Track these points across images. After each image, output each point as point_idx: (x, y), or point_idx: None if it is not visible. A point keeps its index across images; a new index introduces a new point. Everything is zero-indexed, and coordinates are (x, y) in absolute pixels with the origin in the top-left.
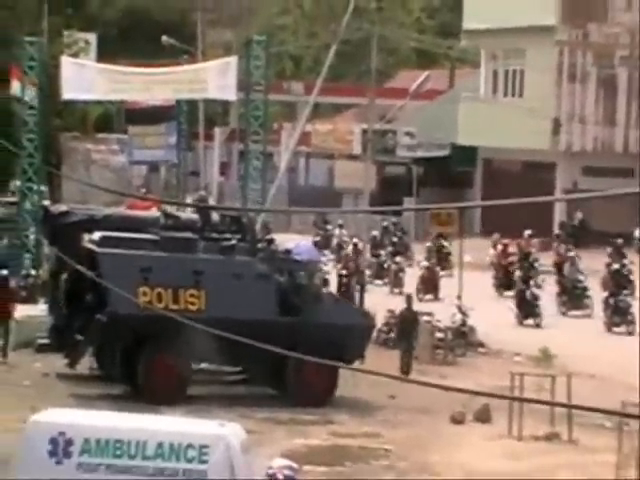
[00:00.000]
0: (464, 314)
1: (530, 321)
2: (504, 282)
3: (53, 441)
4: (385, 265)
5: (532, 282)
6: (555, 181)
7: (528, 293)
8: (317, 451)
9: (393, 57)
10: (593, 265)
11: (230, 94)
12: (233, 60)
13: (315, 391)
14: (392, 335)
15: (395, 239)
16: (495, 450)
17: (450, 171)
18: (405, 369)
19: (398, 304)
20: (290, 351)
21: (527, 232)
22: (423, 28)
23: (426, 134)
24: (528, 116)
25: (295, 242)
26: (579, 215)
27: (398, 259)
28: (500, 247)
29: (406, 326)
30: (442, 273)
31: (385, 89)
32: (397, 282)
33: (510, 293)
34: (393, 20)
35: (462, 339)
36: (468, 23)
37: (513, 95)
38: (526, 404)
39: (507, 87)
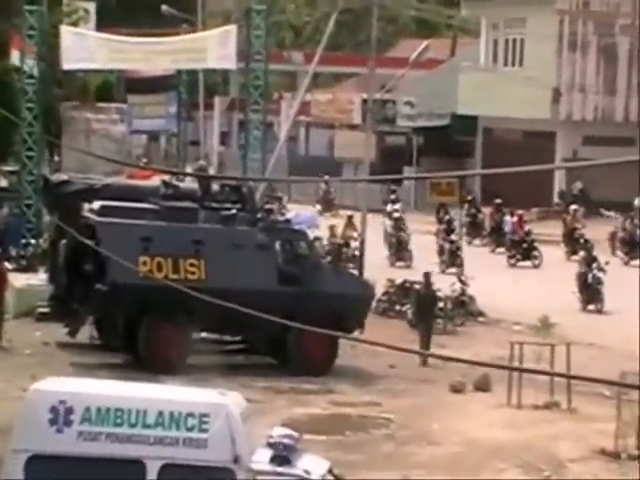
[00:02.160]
0: (464, 283)
1: (592, 307)
2: (520, 253)
3: (54, 409)
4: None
5: (595, 265)
6: (555, 150)
7: (590, 276)
8: (317, 420)
9: (393, 26)
10: (594, 234)
11: (230, 64)
12: (233, 29)
13: (315, 360)
14: (394, 306)
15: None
16: (495, 419)
17: (450, 140)
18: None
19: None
20: (290, 320)
21: (573, 207)
22: None
23: (426, 104)
24: (528, 85)
25: (295, 212)
26: (579, 184)
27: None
28: (515, 218)
29: (424, 306)
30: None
31: (385, 58)
32: (400, 255)
33: (528, 263)
34: None
35: (461, 308)
36: None
37: (513, 64)
38: (526, 373)
39: (507, 56)
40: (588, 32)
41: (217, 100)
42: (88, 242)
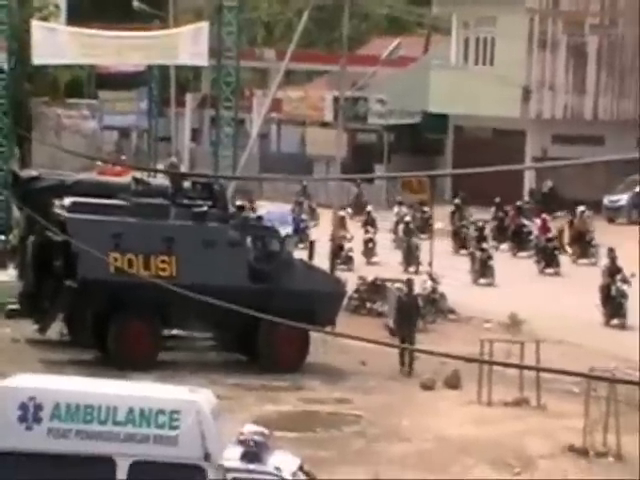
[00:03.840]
0: (434, 281)
1: (615, 321)
2: (545, 259)
3: (23, 406)
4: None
5: (619, 277)
6: (525, 148)
7: (614, 289)
8: (288, 417)
9: (365, 24)
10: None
11: (202, 60)
12: (205, 26)
13: (286, 357)
14: (365, 303)
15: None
16: (465, 416)
17: (421, 138)
18: (408, 369)
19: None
20: (261, 318)
21: (580, 208)
22: None
23: (398, 101)
24: (499, 84)
25: (266, 209)
26: (549, 183)
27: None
28: (538, 221)
29: (405, 314)
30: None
31: (357, 56)
32: (368, 252)
33: (550, 270)
34: None
35: (432, 306)
36: None
37: (484, 63)
38: (495, 370)
39: (478, 55)
40: (558, 31)
41: (189, 96)
42: (59, 237)
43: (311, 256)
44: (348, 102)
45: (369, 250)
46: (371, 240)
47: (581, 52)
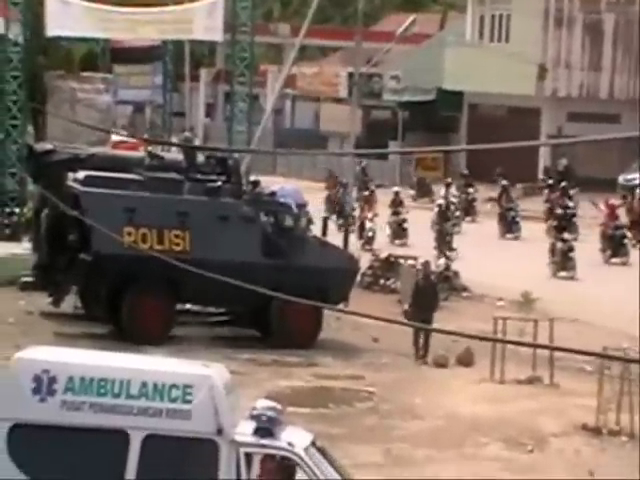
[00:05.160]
0: (448, 259)
1: None
2: (612, 248)
3: (37, 379)
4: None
5: None
6: (540, 126)
7: None
8: (301, 393)
9: (380, 0)
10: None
11: (216, 35)
12: (219, 0)
13: (299, 333)
14: (379, 280)
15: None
16: (477, 393)
17: (436, 116)
18: (422, 352)
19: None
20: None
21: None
22: None
23: (412, 78)
24: (514, 61)
25: (280, 185)
26: (564, 161)
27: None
28: (603, 207)
29: (423, 299)
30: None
31: (372, 32)
32: (400, 234)
33: (617, 260)
34: None
35: (445, 283)
36: None
37: (499, 40)
38: (508, 348)
39: (493, 32)
40: (574, 8)
41: (203, 72)
42: (72, 212)
43: (324, 233)
44: (362, 78)
45: (402, 231)
46: (405, 221)
47: (597, 30)
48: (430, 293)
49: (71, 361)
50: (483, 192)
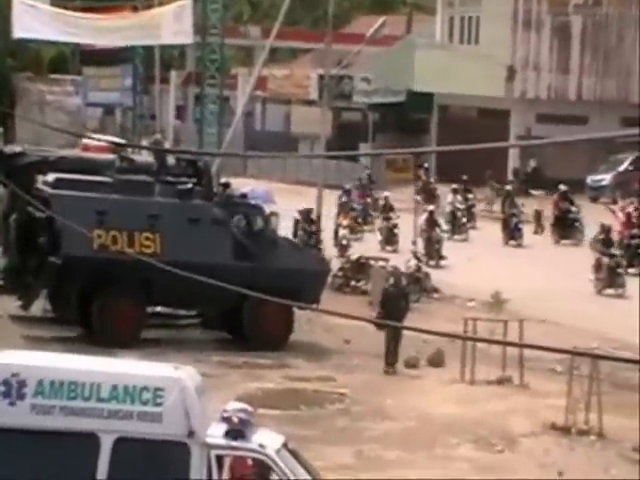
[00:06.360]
0: (419, 260)
1: None
2: (627, 257)
3: (6, 382)
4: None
5: None
6: (509, 128)
7: None
8: (272, 395)
9: (349, 2)
10: (547, 211)
11: (185, 38)
12: (187, 3)
13: (270, 335)
14: (350, 281)
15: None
16: (448, 394)
17: (406, 117)
18: (391, 360)
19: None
20: (245, 296)
21: None
22: None
23: (382, 80)
24: (483, 63)
25: (251, 187)
26: (532, 162)
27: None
28: (620, 214)
29: (393, 306)
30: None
31: (342, 34)
32: (390, 240)
33: (634, 270)
34: None
35: (416, 285)
36: None
37: (469, 42)
38: (478, 349)
39: (463, 34)
40: (542, 11)
41: (173, 74)
42: (42, 214)
43: (295, 234)
44: (333, 80)
45: (393, 237)
46: (395, 226)
47: (565, 32)
48: (399, 300)
49: (41, 364)
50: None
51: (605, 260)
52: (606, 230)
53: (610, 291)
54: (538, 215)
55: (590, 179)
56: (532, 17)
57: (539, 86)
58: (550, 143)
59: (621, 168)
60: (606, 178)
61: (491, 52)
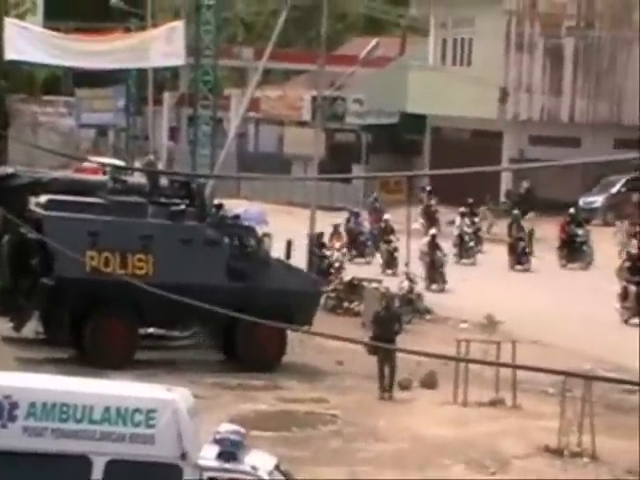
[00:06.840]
0: (412, 281)
1: None
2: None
3: None
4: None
5: None
6: (502, 149)
7: None
8: (265, 416)
9: (343, 24)
10: (541, 233)
11: (176, 60)
12: (179, 25)
13: (264, 356)
14: (342, 303)
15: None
16: (441, 416)
17: (399, 139)
18: (387, 385)
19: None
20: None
21: None
22: None
23: (375, 101)
24: (476, 85)
25: (244, 208)
26: (525, 184)
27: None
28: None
29: (385, 330)
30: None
31: (335, 56)
32: (391, 263)
33: None
34: None
35: (409, 306)
36: None
37: (462, 64)
38: (471, 371)
39: (456, 56)
40: (535, 33)
41: (166, 95)
42: (35, 235)
43: (288, 256)
44: (326, 102)
45: (393, 260)
46: (396, 249)
47: (558, 54)
48: (392, 323)
49: (33, 386)
50: (448, 215)
51: (632, 288)
52: (633, 258)
53: (636, 320)
54: (529, 236)
55: (582, 201)
56: (525, 39)
57: (532, 108)
58: (546, 167)
59: (613, 190)
60: (598, 200)
61: (484, 74)
